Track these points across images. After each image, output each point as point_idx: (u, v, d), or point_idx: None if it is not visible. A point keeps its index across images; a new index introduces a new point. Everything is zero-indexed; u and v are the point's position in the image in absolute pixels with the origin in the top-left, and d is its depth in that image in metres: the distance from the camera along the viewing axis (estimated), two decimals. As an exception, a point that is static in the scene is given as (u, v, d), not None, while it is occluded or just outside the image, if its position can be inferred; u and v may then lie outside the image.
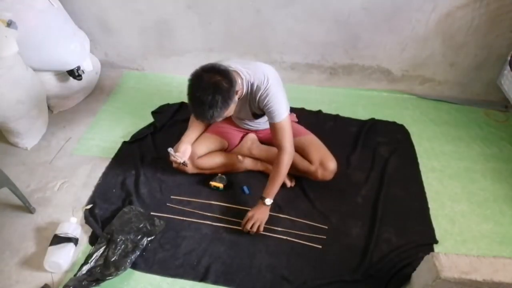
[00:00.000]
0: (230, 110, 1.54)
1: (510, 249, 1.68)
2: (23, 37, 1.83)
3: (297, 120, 2.02)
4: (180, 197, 1.83)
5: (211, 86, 1.40)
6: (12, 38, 1.73)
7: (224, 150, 1.95)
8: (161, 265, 1.57)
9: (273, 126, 1.64)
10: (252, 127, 1.93)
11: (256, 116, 1.77)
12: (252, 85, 1.59)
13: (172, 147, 1.79)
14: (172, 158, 1.70)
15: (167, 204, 1.80)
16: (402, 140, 2.21)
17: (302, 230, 1.71)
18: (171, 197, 1.83)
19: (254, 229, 1.62)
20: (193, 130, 1.84)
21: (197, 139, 1.87)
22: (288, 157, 1.64)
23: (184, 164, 1.71)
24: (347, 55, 2.42)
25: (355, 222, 1.76)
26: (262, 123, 1.89)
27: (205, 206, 1.80)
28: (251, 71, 1.58)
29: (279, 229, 1.71)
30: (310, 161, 1.78)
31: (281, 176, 1.66)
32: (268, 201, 1.65)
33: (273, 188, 1.66)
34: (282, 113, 1.60)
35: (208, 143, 1.88)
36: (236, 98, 1.52)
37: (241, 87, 1.56)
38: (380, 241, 1.67)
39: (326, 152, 1.80)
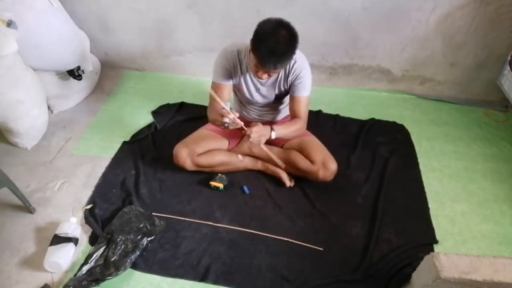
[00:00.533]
0: (281, 69, 1.61)
1: (510, 249, 1.68)
2: (23, 37, 1.82)
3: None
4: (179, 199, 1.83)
5: (283, 36, 1.45)
6: (11, 37, 1.73)
7: (225, 149, 1.95)
8: (161, 265, 1.57)
9: (297, 100, 1.73)
10: (260, 118, 1.92)
11: (277, 98, 1.80)
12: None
13: (173, 148, 1.80)
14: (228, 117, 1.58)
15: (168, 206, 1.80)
16: (402, 140, 2.21)
17: (302, 232, 1.71)
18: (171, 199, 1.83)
19: (253, 137, 1.57)
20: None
21: (197, 137, 1.88)
22: (302, 125, 1.76)
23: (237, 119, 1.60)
24: (347, 55, 2.42)
25: (355, 222, 1.76)
26: (274, 112, 1.91)
27: (205, 206, 1.80)
28: None
29: (279, 232, 1.71)
30: (312, 161, 1.79)
31: (292, 130, 1.74)
32: (274, 130, 1.65)
33: (283, 130, 1.70)
34: (309, 88, 1.72)
35: (208, 141, 1.88)
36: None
37: None
38: (380, 241, 1.67)
39: (327, 153, 1.82)
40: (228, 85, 1.75)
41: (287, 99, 1.85)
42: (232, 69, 1.71)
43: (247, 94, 1.81)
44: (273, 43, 1.44)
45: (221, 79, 1.73)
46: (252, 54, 1.52)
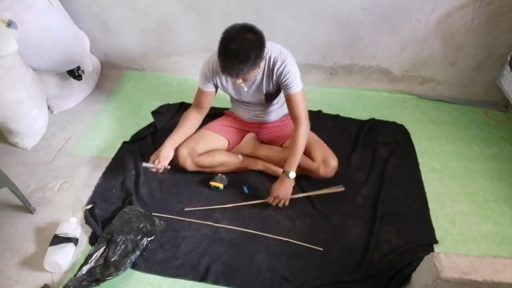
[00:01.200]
0: (253, 74, 1.59)
1: (510, 249, 1.68)
2: (23, 37, 1.83)
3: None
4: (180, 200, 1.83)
5: (246, 41, 1.43)
6: (11, 36, 1.73)
7: (225, 149, 1.95)
8: (161, 265, 1.57)
9: (289, 99, 1.69)
10: (257, 118, 1.92)
11: (269, 97, 1.79)
12: (270, 57, 1.63)
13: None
14: (151, 170, 1.74)
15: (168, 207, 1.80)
16: (402, 140, 2.21)
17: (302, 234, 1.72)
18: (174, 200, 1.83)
19: (280, 205, 1.70)
20: (179, 132, 1.80)
21: (197, 137, 1.88)
22: (304, 129, 1.70)
23: (165, 170, 1.75)
24: (347, 55, 2.42)
25: (355, 222, 1.76)
26: (270, 112, 1.90)
27: (205, 206, 1.79)
28: (269, 46, 1.60)
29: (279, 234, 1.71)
30: (312, 159, 1.80)
31: (301, 149, 1.69)
32: (292, 174, 1.67)
33: (294, 161, 1.68)
34: (298, 84, 1.66)
35: (208, 141, 1.89)
36: (261, 63, 1.57)
37: (265, 56, 1.58)
38: (380, 241, 1.67)
39: (328, 150, 1.83)
40: (209, 92, 1.77)
41: (279, 99, 1.85)
42: (213, 76, 1.72)
43: (236, 97, 1.83)
44: (235, 48, 1.41)
45: (203, 86, 1.76)
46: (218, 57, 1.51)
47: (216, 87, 1.78)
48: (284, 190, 1.69)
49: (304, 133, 1.70)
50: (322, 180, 1.82)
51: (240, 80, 1.57)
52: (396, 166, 2.02)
